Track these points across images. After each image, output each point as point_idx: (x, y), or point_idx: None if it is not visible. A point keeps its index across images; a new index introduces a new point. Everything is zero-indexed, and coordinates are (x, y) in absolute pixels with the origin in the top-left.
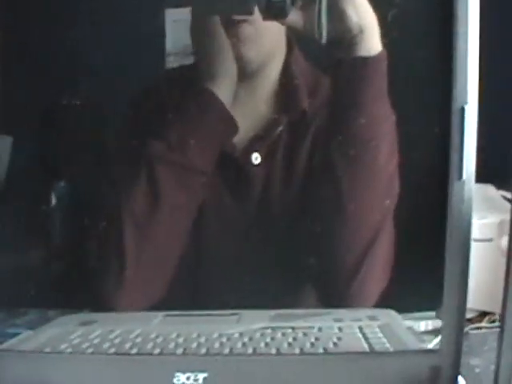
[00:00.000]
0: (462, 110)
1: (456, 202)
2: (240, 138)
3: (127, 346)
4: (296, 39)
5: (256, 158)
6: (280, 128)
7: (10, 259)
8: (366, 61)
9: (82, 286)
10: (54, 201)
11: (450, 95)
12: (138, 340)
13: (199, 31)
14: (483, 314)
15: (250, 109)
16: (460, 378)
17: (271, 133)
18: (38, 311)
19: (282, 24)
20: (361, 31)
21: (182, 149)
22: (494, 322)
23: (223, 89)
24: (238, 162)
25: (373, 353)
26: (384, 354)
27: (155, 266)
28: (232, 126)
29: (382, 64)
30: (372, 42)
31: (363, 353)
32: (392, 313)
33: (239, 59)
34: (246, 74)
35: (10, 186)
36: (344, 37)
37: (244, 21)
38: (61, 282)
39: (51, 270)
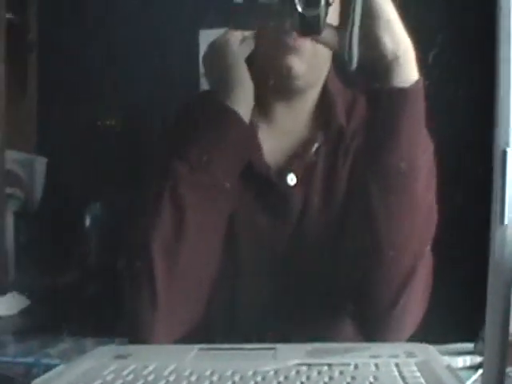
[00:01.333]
0: (505, 153)
1: (498, 246)
2: (275, 158)
3: (162, 383)
4: (333, 61)
5: (292, 178)
6: (316, 145)
7: (43, 285)
8: (403, 91)
9: (116, 315)
10: (87, 223)
11: (491, 137)
12: (172, 378)
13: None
14: None
15: (286, 128)
16: None
17: (307, 151)
18: (72, 341)
19: (316, 42)
20: (396, 59)
21: (204, 168)
22: None
23: (244, 108)
24: (273, 183)
25: None
26: None
27: (188, 294)
28: (254, 143)
29: (418, 94)
30: (408, 71)
31: None
32: (430, 348)
33: (288, 75)
34: (292, 91)
35: (44, 208)
36: (378, 64)
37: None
38: (95, 311)
39: (85, 298)
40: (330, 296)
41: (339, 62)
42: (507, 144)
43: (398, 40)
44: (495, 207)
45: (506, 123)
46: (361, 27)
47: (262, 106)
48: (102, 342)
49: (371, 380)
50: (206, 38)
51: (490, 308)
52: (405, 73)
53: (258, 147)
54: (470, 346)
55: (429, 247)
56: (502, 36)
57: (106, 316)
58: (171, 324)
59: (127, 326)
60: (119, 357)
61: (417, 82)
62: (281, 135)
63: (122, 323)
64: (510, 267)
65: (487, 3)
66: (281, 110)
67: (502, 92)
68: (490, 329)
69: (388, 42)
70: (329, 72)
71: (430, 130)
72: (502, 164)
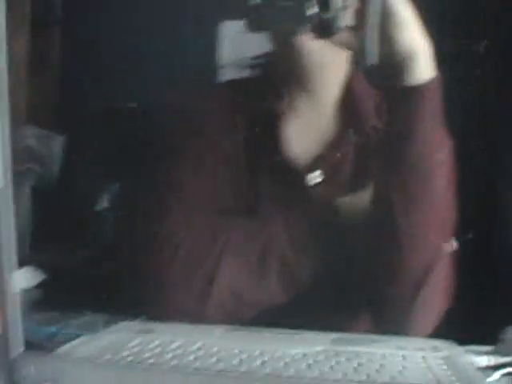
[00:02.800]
0: None
1: None
2: (302, 155)
3: (190, 357)
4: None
5: (317, 176)
6: (343, 144)
7: (63, 259)
8: (419, 89)
9: (138, 292)
10: (106, 202)
11: None
12: (201, 353)
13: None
14: None
15: (312, 124)
16: None
17: (334, 149)
18: (93, 314)
19: (332, 43)
20: (412, 57)
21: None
22: None
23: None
24: (298, 180)
25: None
26: None
27: (210, 278)
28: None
29: (435, 91)
30: (424, 69)
31: None
32: (453, 345)
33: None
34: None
35: (62, 186)
36: (394, 62)
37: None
38: (114, 287)
39: (101, 274)
40: (351, 288)
41: (359, 61)
42: None
43: (415, 38)
44: None
45: None
46: (377, 26)
47: (288, 99)
48: (122, 319)
49: (400, 369)
50: (226, 31)
51: None
52: (421, 70)
53: (285, 145)
54: (486, 348)
55: (449, 245)
56: None
57: (124, 292)
58: (191, 303)
59: (145, 303)
60: (142, 331)
61: (433, 79)
62: (307, 132)
63: (140, 300)
64: None
65: None
66: (306, 104)
67: None
68: None
69: (405, 41)
70: (349, 71)
71: (450, 127)
72: None
